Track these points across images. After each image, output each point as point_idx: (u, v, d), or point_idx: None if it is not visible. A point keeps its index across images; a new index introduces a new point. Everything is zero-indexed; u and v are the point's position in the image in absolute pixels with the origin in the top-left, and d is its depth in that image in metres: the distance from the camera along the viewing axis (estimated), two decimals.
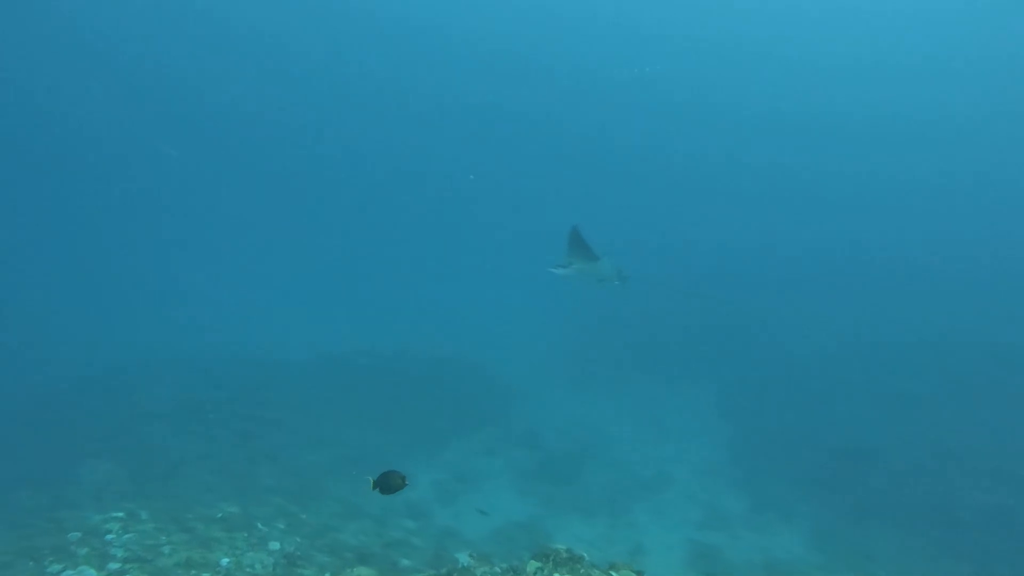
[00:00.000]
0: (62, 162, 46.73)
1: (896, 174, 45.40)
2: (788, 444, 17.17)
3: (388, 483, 5.65)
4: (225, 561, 8.62)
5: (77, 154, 47.00)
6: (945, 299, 26.75)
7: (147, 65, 43.55)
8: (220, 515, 10.51)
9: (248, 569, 8.51)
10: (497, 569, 7.00)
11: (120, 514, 10.11)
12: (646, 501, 14.50)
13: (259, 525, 10.34)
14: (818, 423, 18.08)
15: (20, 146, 44.15)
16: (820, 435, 17.29)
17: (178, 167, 46.59)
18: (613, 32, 44.21)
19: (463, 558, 9.58)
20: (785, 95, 46.01)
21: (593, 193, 48.87)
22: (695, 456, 17.15)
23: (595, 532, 13.20)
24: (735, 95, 46.70)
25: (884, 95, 43.70)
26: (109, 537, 9.27)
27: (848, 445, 16.46)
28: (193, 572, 8.18)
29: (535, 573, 6.30)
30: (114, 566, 8.39)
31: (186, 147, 45.47)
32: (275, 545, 9.65)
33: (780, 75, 45.15)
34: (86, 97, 44.29)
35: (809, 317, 25.35)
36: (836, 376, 20.64)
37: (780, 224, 43.36)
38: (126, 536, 9.33)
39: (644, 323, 24.66)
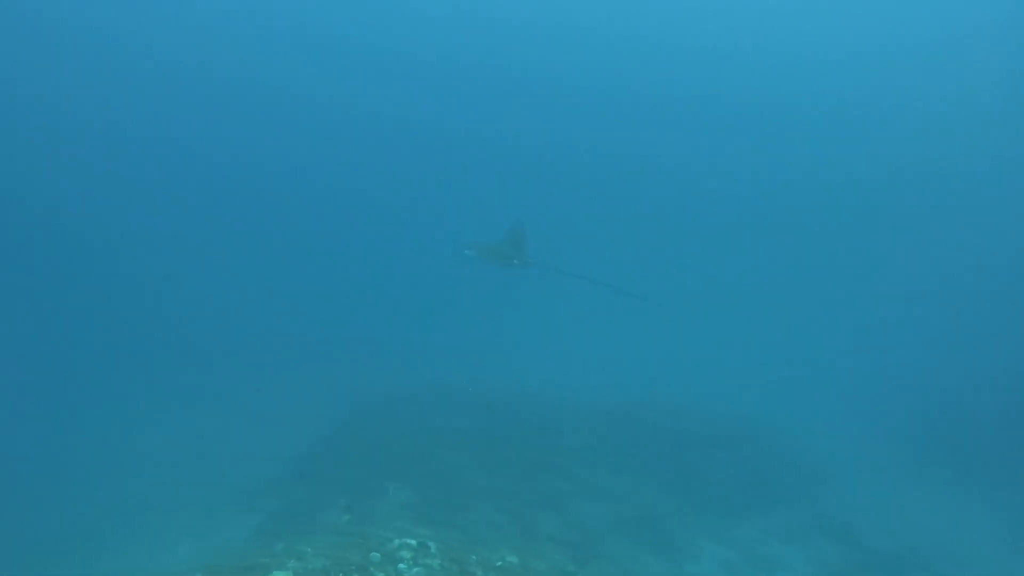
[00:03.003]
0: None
1: None
2: None
3: None
4: None
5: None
6: None
7: None
8: (499, 563, 10.42)
9: None
10: None
11: (413, 542, 10.63)
12: None
13: None
14: None
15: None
16: None
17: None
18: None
19: None
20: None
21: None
22: None
23: None
24: None
25: None
26: (401, 567, 9.73)
27: None
28: None
29: None
30: None
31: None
32: None
33: None
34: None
35: None
36: None
37: None
38: (415, 569, 9.70)
39: (1008, 396, 19.35)
